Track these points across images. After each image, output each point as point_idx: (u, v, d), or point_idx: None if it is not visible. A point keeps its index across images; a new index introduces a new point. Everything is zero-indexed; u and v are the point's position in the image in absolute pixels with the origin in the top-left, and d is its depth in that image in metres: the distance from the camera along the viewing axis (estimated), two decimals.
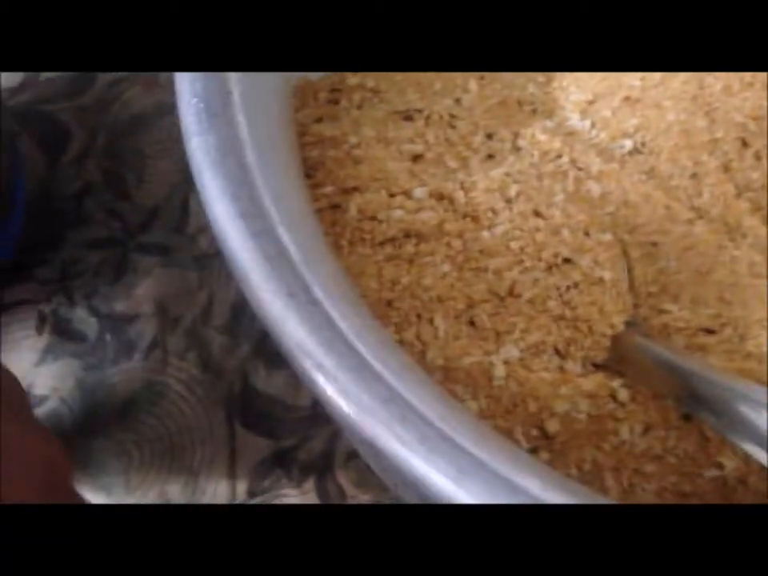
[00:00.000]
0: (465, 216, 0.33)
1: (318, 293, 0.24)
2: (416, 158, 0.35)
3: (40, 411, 0.36)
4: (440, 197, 0.33)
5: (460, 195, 0.33)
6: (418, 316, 0.31)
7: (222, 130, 0.26)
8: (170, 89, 0.45)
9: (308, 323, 0.22)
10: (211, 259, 0.41)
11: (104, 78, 0.44)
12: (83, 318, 0.38)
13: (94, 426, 0.36)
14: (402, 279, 0.32)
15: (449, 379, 0.31)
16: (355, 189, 0.33)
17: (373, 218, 0.33)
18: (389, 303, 0.31)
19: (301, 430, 0.37)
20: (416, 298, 0.32)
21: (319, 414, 0.37)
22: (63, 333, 0.38)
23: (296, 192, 0.29)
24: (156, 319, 0.39)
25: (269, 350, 0.38)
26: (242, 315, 0.39)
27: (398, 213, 0.33)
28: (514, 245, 0.33)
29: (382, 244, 0.32)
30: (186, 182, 0.43)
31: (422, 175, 0.34)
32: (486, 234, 0.33)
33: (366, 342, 0.23)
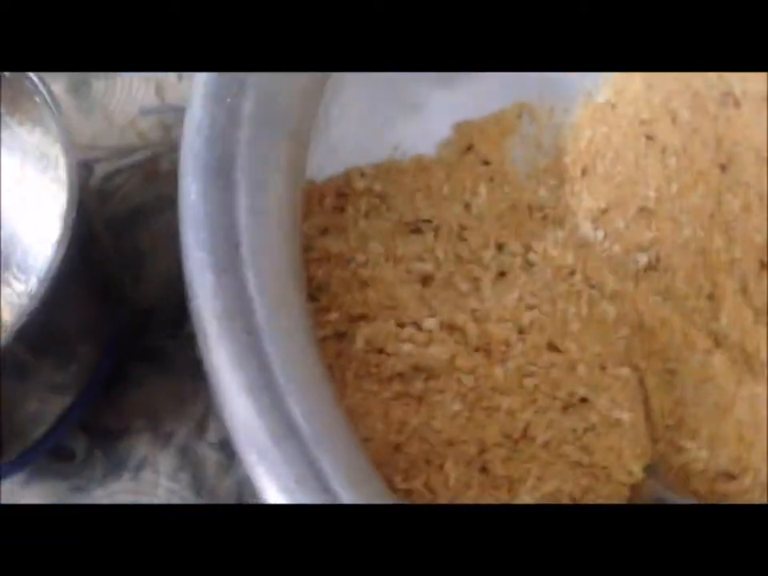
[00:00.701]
0: (477, 349, 0.31)
1: (331, 480, 0.22)
2: (426, 279, 0.34)
3: None
4: (451, 328, 0.32)
5: (472, 327, 0.32)
6: (427, 462, 0.30)
7: (230, 290, 0.24)
8: (171, 180, 0.44)
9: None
10: None
11: (101, 169, 0.43)
12: (72, 434, 0.37)
13: None
14: (411, 420, 0.30)
15: None
16: (362, 317, 0.32)
17: (380, 351, 0.31)
18: (396, 447, 0.30)
19: None
20: (425, 442, 0.30)
21: None
22: (52, 451, 0.36)
23: (302, 329, 0.27)
24: (147, 434, 0.37)
25: None
26: None
27: (407, 347, 0.31)
28: (527, 382, 0.31)
29: (389, 379, 0.31)
30: (183, 282, 0.41)
31: (433, 301, 0.33)
32: (498, 370, 0.31)
33: None
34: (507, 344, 0.32)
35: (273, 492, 0.21)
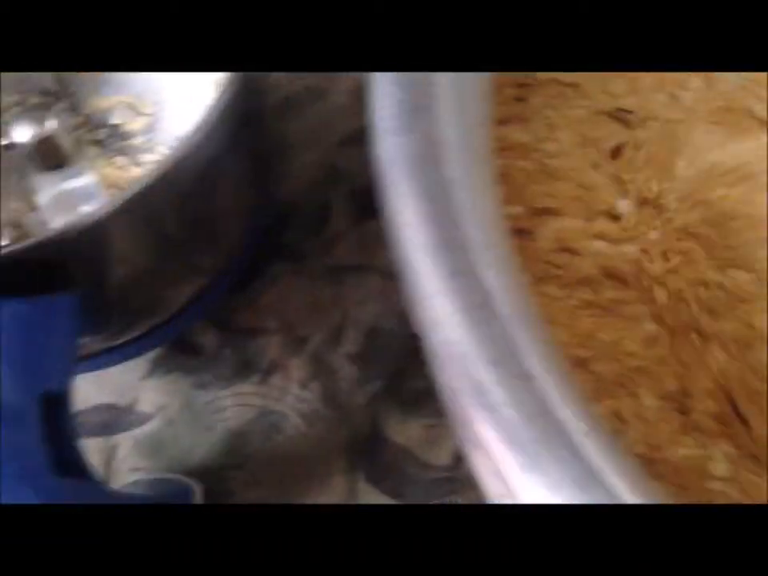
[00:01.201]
0: (679, 239, 0.26)
1: (532, 364, 0.17)
2: (616, 152, 0.28)
3: (142, 431, 0.32)
4: (646, 204, 0.26)
5: (672, 201, 0.26)
6: (620, 384, 0.24)
7: (424, 131, 0.20)
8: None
9: (519, 406, 0.16)
10: (348, 273, 0.35)
11: None
12: (202, 328, 0.33)
13: (197, 455, 0.31)
14: (600, 335, 0.25)
15: (649, 473, 0.23)
16: (549, 211, 0.27)
17: (567, 250, 0.26)
18: (582, 363, 0.25)
19: (435, 494, 0.30)
20: (616, 362, 0.25)
21: (461, 477, 0.30)
22: (177, 343, 0.33)
23: (494, 215, 0.23)
24: (280, 337, 0.34)
25: (405, 390, 0.32)
26: (378, 343, 0.34)
27: (598, 244, 0.26)
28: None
29: (576, 284, 0.26)
30: (329, 180, 0.37)
31: (623, 174, 0.27)
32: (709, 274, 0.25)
33: (594, 442, 0.16)
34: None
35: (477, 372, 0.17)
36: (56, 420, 0.20)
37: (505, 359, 0.17)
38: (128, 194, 0.21)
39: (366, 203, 0.37)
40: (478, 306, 0.17)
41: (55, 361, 0.21)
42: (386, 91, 0.21)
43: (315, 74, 0.40)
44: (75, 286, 0.21)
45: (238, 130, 0.25)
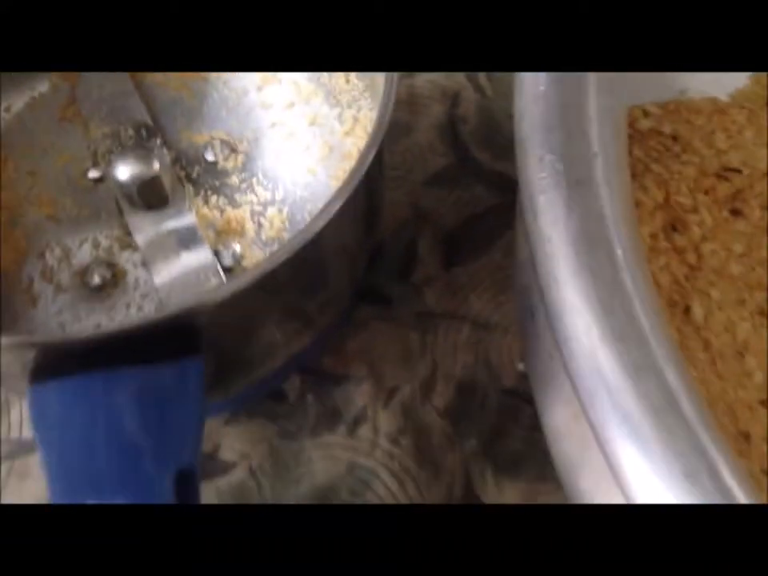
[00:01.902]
0: None
1: (728, 478, 0.16)
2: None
3: (224, 481, 0.30)
4: None
5: None
6: None
7: (586, 207, 0.19)
8: (406, 106, 0.38)
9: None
10: (437, 320, 0.34)
11: None
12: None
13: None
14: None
15: None
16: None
17: None
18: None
19: None
20: None
21: None
22: None
23: (657, 299, 0.21)
24: (368, 385, 0.33)
25: (501, 450, 0.31)
26: (471, 397, 0.32)
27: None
28: None
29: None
30: (416, 220, 0.36)
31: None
32: None
33: None
34: None
35: (649, 482, 0.16)
36: (186, 496, 0.19)
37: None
38: (259, 272, 0.20)
39: (454, 247, 0.36)
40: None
41: (187, 431, 0.19)
42: (539, 158, 0.20)
43: (399, 110, 0.39)
44: (200, 351, 0.20)
45: (363, 202, 0.24)
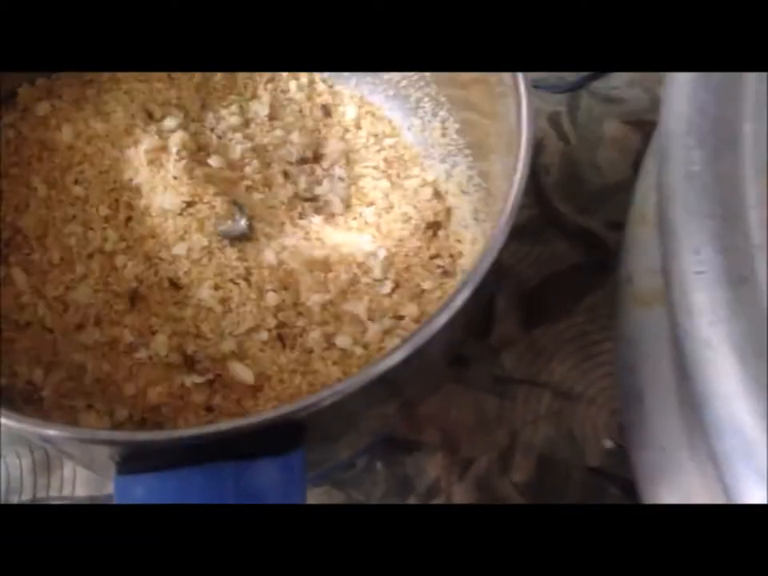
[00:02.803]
0: None
1: None
2: None
3: None
4: None
5: None
6: None
7: (751, 309, 0.16)
8: None
9: None
10: (516, 386, 0.32)
11: None
12: None
13: None
14: None
15: None
16: None
17: None
18: None
19: None
20: None
21: None
22: None
23: None
24: (442, 455, 0.30)
25: None
26: (552, 473, 0.30)
27: None
28: None
29: None
30: (495, 276, 0.34)
31: None
32: None
33: None
34: None
35: None
36: None
37: None
38: (375, 372, 0.18)
39: (534, 307, 0.34)
40: None
41: None
42: (694, 249, 0.18)
43: None
44: (303, 444, 0.18)
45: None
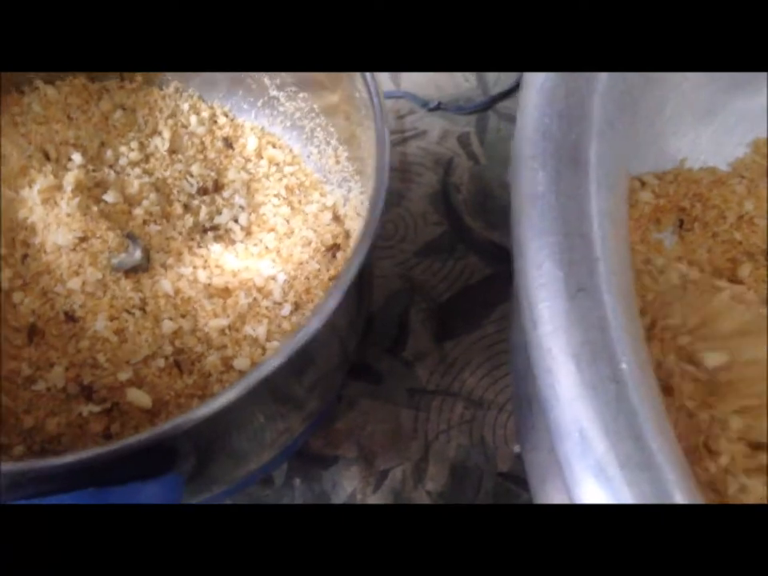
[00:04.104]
0: None
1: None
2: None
3: None
4: None
5: None
6: None
7: (590, 319, 0.18)
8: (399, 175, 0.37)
9: None
10: (430, 397, 0.33)
11: None
12: None
13: None
14: None
15: None
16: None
17: None
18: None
19: None
20: None
21: None
22: None
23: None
24: (357, 468, 0.31)
25: None
26: (464, 479, 0.31)
27: None
28: None
29: None
30: (408, 292, 0.35)
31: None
32: None
33: None
34: None
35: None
36: None
37: None
38: (253, 379, 0.18)
39: (446, 320, 0.35)
40: None
41: None
42: (537, 265, 0.19)
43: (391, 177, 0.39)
44: (177, 467, 0.19)
45: (355, 293, 0.23)
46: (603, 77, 0.21)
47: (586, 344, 0.17)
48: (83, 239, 0.24)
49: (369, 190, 0.22)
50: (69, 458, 0.16)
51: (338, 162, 0.28)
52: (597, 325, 0.18)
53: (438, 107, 0.40)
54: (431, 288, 0.36)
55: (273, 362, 0.18)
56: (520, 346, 0.27)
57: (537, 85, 0.21)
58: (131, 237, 0.24)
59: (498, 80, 0.41)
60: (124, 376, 0.23)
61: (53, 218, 0.24)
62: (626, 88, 0.23)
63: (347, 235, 0.28)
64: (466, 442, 0.32)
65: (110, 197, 0.25)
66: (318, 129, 0.28)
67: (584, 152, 0.20)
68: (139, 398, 0.23)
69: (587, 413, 0.17)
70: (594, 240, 0.19)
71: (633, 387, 0.18)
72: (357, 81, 0.22)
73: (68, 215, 0.24)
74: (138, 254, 0.24)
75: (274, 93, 0.28)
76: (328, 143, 0.28)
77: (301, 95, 0.28)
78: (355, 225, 0.28)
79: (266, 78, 0.28)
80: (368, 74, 0.22)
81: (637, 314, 0.20)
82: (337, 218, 0.28)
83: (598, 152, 0.20)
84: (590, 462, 0.17)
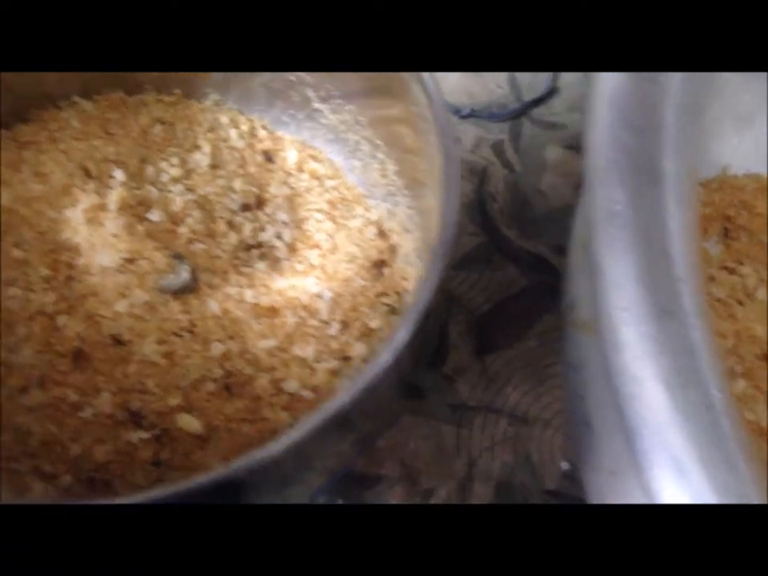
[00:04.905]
0: None
1: None
2: None
3: None
4: None
5: None
6: None
7: (677, 342, 0.17)
8: None
9: None
10: (472, 413, 0.32)
11: None
12: None
13: None
14: None
15: None
16: None
17: None
18: None
19: None
20: None
21: None
22: None
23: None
24: (401, 487, 0.31)
25: None
26: (510, 497, 0.30)
27: None
28: None
29: None
30: (446, 305, 0.34)
31: None
32: None
33: None
34: None
35: None
36: None
37: None
38: (326, 413, 0.18)
39: (487, 333, 0.35)
40: None
41: None
42: (619, 285, 0.18)
43: None
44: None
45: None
46: (675, 84, 0.20)
47: (675, 370, 0.17)
48: (130, 260, 0.23)
49: (420, 206, 0.22)
50: (128, 500, 0.15)
51: (384, 176, 0.27)
52: (685, 349, 0.17)
53: (471, 115, 0.39)
54: (469, 300, 0.35)
55: (344, 398, 0.18)
56: (577, 365, 0.27)
57: (606, 94, 0.20)
58: (178, 257, 0.24)
59: (530, 85, 0.40)
60: (173, 401, 0.23)
61: (98, 238, 0.23)
62: (695, 95, 0.22)
63: (393, 251, 0.27)
64: (510, 460, 0.31)
65: (154, 215, 0.24)
66: (363, 141, 0.28)
67: (660, 164, 0.19)
68: (190, 423, 0.22)
69: (681, 440, 0.16)
70: (676, 258, 0.18)
71: (725, 413, 0.17)
72: (416, 92, 0.21)
73: (113, 235, 0.23)
74: (185, 275, 0.23)
75: (317, 105, 0.28)
76: (373, 156, 0.28)
77: (347, 108, 0.27)
78: (402, 240, 0.27)
79: (309, 90, 0.27)
80: (429, 86, 0.21)
81: (715, 335, 0.19)
82: (382, 233, 0.28)
83: (673, 164, 0.19)
84: (686, 491, 0.16)
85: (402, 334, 0.18)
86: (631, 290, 0.18)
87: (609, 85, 0.21)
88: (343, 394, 0.18)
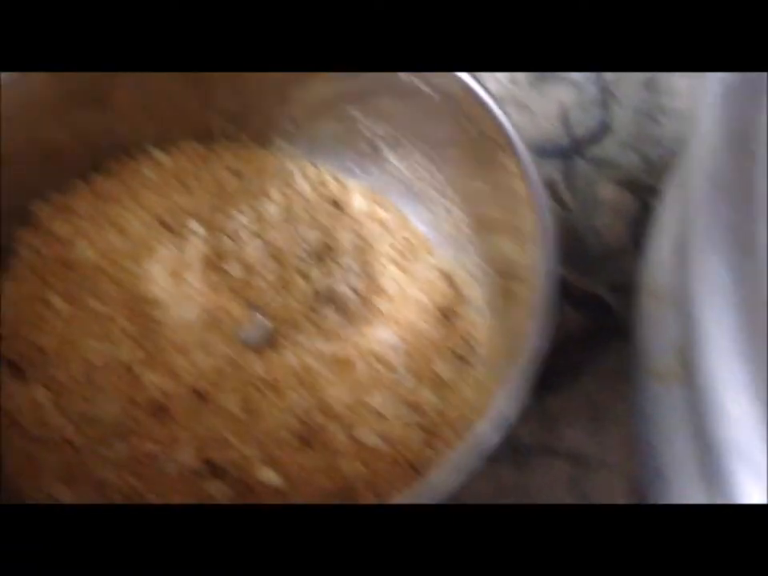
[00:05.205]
0: None
1: None
2: None
3: None
4: None
5: None
6: None
7: None
8: None
9: None
10: (531, 455, 0.32)
11: None
12: None
13: None
14: None
15: None
16: None
17: None
18: None
19: None
20: None
21: None
22: None
23: None
24: None
25: None
26: None
27: None
28: None
29: None
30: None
31: None
32: None
33: None
34: None
35: None
36: None
37: None
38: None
39: (544, 374, 0.35)
40: None
41: None
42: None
43: None
44: None
45: None
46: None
47: None
48: (210, 313, 0.23)
49: (494, 254, 0.22)
50: None
51: (454, 226, 0.27)
52: None
53: None
54: None
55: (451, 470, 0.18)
56: (648, 413, 0.26)
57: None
58: (255, 308, 0.24)
59: (580, 122, 0.41)
60: (251, 452, 0.23)
61: (178, 291, 0.23)
62: None
63: (462, 300, 0.27)
64: (570, 502, 0.31)
65: (232, 268, 0.25)
66: (431, 189, 0.28)
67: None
68: (271, 478, 0.22)
69: None
70: None
71: None
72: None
73: (194, 288, 0.23)
74: (264, 327, 0.23)
75: (386, 155, 0.28)
76: (448, 210, 0.28)
77: (416, 156, 0.27)
78: (470, 289, 0.27)
79: (380, 141, 0.27)
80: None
81: None
82: (450, 282, 0.28)
83: None
84: None
85: (505, 411, 0.19)
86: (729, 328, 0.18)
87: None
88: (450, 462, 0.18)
